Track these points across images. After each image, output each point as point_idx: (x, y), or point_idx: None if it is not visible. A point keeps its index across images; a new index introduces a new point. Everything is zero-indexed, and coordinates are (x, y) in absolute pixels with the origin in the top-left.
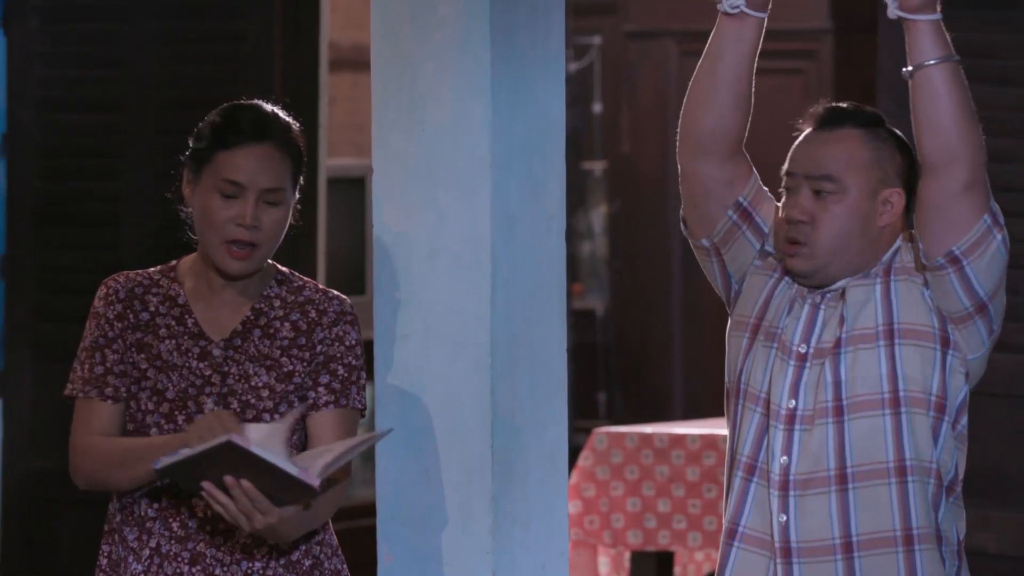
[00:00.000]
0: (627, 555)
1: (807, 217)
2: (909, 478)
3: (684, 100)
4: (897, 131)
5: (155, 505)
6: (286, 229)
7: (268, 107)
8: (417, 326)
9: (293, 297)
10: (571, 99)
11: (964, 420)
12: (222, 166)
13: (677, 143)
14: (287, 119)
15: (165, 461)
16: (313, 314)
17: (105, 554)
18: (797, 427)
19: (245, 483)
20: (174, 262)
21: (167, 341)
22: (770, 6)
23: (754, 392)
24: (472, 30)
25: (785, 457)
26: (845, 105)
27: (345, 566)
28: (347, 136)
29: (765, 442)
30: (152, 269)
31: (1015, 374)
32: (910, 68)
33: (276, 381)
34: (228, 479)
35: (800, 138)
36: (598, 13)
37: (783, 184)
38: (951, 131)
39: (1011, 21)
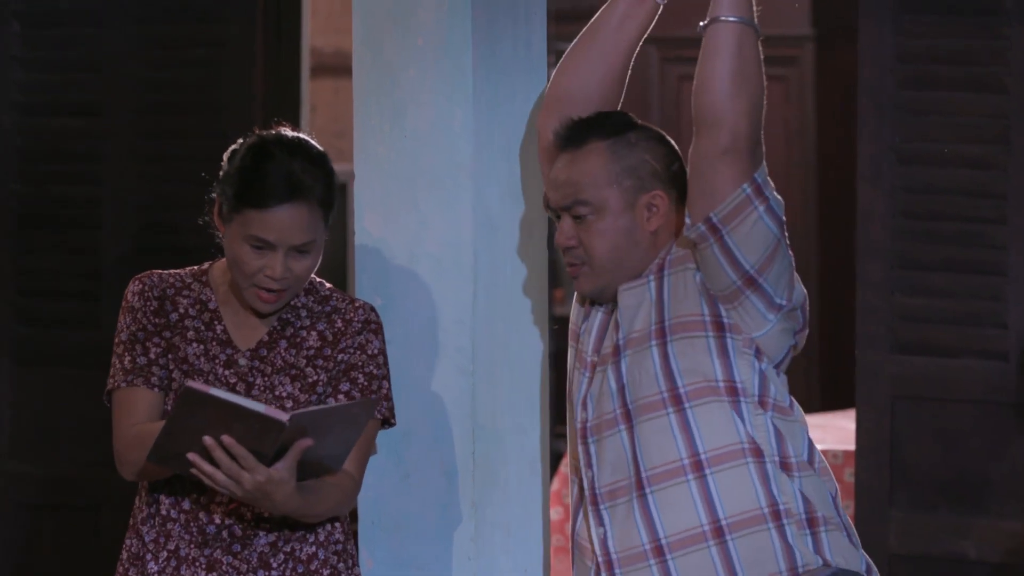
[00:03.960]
0: None
1: (575, 242)
2: (708, 471)
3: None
4: (653, 128)
5: (177, 508)
6: (317, 266)
7: (299, 156)
8: (398, 331)
9: (320, 307)
10: None
11: (773, 392)
12: (252, 223)
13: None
14: (316, 157)
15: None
16: (339, 323)
17: (126, 547)
18: (591, 439)
19: (225, 438)
20: (206, 265)
21: (194, 345)
22: None
23: (571, 401)
24: (454, 36)
25: (590, 471)
26: (588, 117)
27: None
28: (328, 142)
29: (578, 453)
30: (183, 271)
31: (995, 381)
32: (705, 22)
33: (300, 391)
34: (207, 439)
35: (554, 165)
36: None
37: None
38: (720, 92)
39: (988, 27)
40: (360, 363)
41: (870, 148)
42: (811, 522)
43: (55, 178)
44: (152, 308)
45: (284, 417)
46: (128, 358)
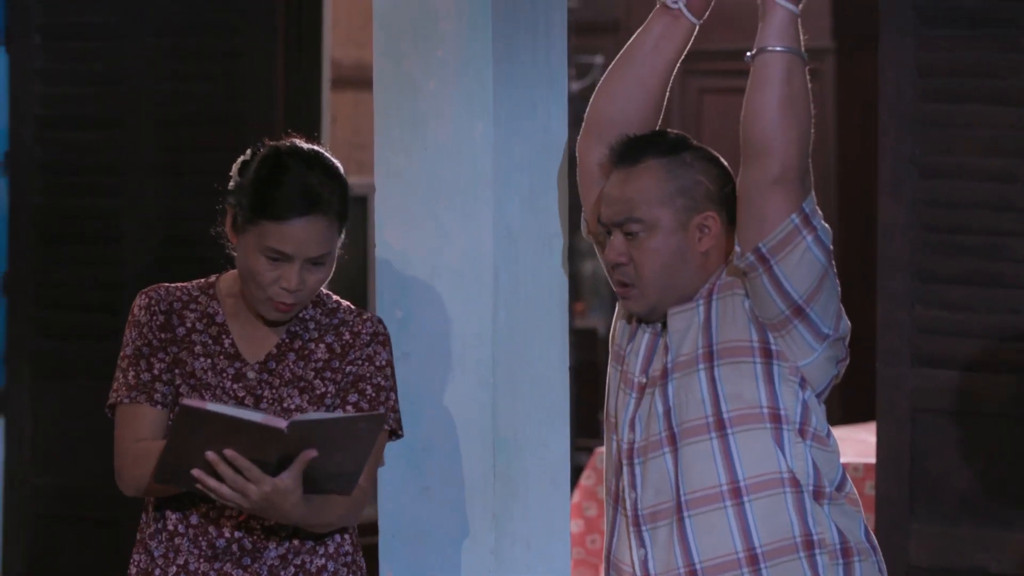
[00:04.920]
0: None
1: (625, 259)
2: (746, 498)
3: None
4: (707, 149)
5: (184, 523)
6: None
7: (316, 168)
8: (419, 344)
9: (328, 319)
10: (573, 117)
11: (814, 422)
12: (268, 235)
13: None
14: (332, 169)
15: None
16: (347, 336)
17: (135, 563)
18: (636, 460)
19: (228, 452)
20: (213, 278)
21: (202, 359)
22: (706, 15)
23: (612, 421)
24: (474, 48)
25: (633, 492)
26: (644, 135)
27: None
28: (349, 154)
29: (621, 474)
30: (190, 284)
31: (1016, 394)
32: (752, 52)
33: (308, 404)
34: (209, 455)
35: (608, 180)
36: (600, 32)
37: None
38: (770, 122)
39: (1009, 40)
40: (368, 374)
41: (891, 161)
42: (845, 552)
43: (75, 191)
44: (158, 323)
45: (282, 424)
46: (132, 373)
